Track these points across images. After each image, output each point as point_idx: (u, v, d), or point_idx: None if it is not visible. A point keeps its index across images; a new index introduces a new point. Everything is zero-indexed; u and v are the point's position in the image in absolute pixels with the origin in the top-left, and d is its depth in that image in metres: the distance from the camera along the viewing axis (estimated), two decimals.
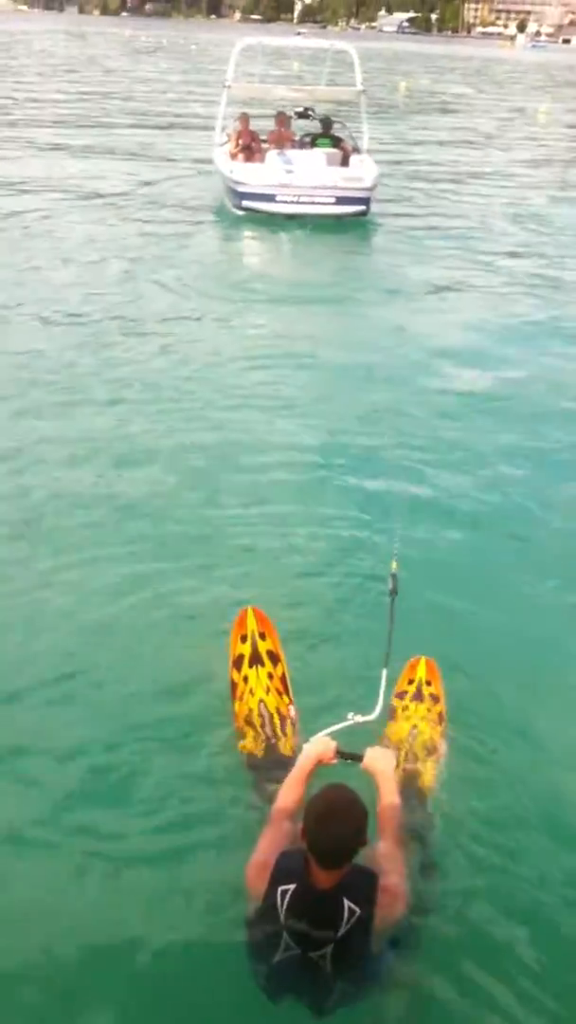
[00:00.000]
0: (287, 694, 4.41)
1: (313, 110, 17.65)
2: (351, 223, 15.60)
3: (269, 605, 4.76)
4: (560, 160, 26.13)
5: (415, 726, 4.24)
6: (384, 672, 3.83)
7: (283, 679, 4.46)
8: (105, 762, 4.22)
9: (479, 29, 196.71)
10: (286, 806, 3.38)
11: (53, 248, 13.54)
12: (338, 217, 15.52)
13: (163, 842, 3.84)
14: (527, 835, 3.97)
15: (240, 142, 16.55)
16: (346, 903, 2.99)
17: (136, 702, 4.59)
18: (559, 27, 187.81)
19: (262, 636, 4.51)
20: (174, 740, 4.35)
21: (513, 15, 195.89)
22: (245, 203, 15.58)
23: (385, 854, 3.24)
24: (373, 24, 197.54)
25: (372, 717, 3.70)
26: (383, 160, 18.15)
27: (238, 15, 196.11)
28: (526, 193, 20.31)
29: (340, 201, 15.41)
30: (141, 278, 12.18)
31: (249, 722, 4.25)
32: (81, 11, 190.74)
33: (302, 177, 15.41)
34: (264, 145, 16.53)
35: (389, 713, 4.30)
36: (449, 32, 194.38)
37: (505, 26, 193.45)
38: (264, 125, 17.15)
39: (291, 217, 15.39)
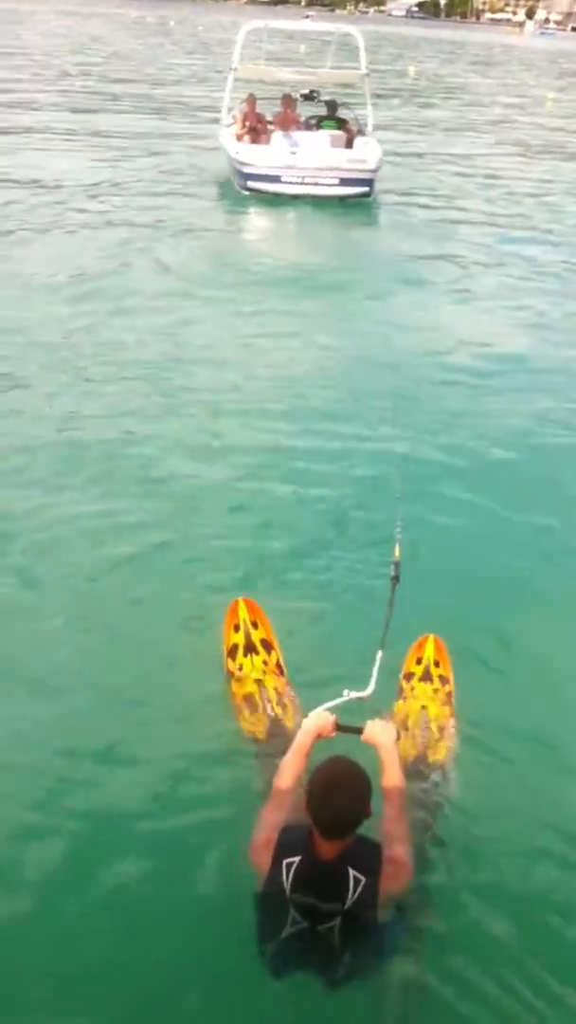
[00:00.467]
0: (283, 676, 4.42)
1: (319, 92, 17.83)
2: (354, 204, 15.75)
3: (268, 590, 4.79)
4: (569, 149, 25.94)
5: (424, 706, 4.25)
6: (380, 652, 3.86)
7: (278, 664, 4.47)
8: (104, 749, 4.22)
9: (488, 15, 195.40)
10: (287, 781, 3.39)
11: (53, 224, 13.54)
12: (342, 198, 15.70)
13: (167, 825, 3.84)
14: (533, 815, 4.00)
15: (247, 123, 16.71)
16: (351, 872, 3.02)
17: (133, 691, 4.56)
18: (568, 15, 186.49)
19: (254, 625, 4.53)
20: (173, 724, 4.35)
21: (522, 2, 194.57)
22: (251, 183, 15.77)
23: (389, 825, 3.25)
24: (382, 8, 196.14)
25: (367, 693, 3.71)
26: (389, 143, 18.16)
27: None
28: (531, 179, 20.25)
29: (344, 182, 15.62)
30: (141, 257, 12.15)
31: (248, 701, 4.25)
32: None
33: (307, 158, 15.60)
34: (270, 127, 16.68)
35: (397, 692, 4.33)
36: (458, 17, 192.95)
37: (514, 12, 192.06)
38: (270, 107, 17.28)
39: (296, 197, 15.58)
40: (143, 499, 6.33)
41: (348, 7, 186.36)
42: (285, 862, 3.07)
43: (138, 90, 31.16)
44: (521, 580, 5.70)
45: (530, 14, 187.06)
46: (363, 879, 3.02)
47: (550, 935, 3.50)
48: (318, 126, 16.90)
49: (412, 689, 4.35)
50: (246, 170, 15.70)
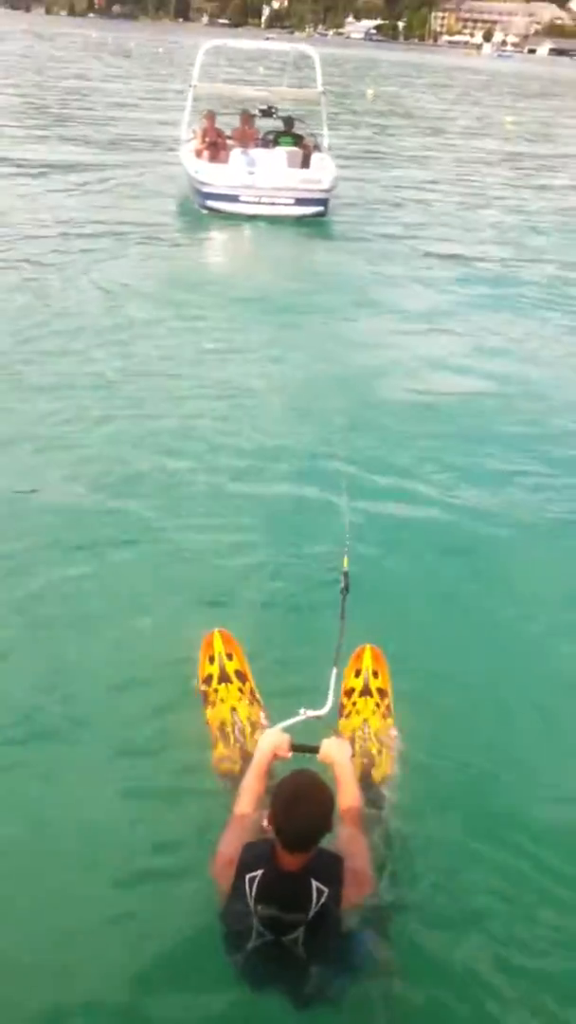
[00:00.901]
0: (258, 703, 4.40)
1: (276, 109, 18.15)
2: (310, 222, 16.03)
3: (224, 614, 4.80)
4: (524, 168, 26.33)
5: (365, 720, 4.27)
6: (334, 669, 3.85)
7: (252, 692, 4.46)
8: (75, 777, 4.16)
9: (446, 37, 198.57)
10: (247, 800, 3.42)
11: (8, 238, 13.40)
12: (297, 218, 15.97)
13: (137, 848, 3.80)
14: (481, 818, 4.06)
15: (206, 139, 16.93)
16: (314, 884, 3.02)
17: (107, 722, 4.48)
18: (524, 37, 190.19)
19: (229, 656, 4.52)
20: (147, 753, 4.28)
21: (479, 24, 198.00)
22: (209, 203, 16.07)
23: (348, 840, 3.28)
24: (341, 31, 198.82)
25: (323, 712, 3.70)
26: (345, 164, 18.49)
27: (206, 19, 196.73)
28: (488, 200, 20.48)
29: (299, 202, 15.93)
30: (94, 278, 11.96)
31: (222, 731, 4.24)
32: (48, 11, 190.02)
33: (263, 178, 15.91)
34: (229, 142, 16.94)
35: (339, 711, 4.32)
36: (416, 40, 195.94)
37: (471, 35, 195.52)
38: (230, 124, 17.54)
39: (253, 217, 15.86)
40: (96, 526, 6.16)
41: (307, 29, 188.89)
42: (248, 876, 3.07)
43: (95, 108, 31.17)
44: (457, 588, 5.81)
45: (487, 36, 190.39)
46: (326, 890, 3.03)
47: (506, 936, 3.54)
48: (275, 142, 17.19)
49: (354, 704, 4.38)
50: (205, 189, 15.98)
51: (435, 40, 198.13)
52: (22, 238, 13.66)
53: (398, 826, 3.84)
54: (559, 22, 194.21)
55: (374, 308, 11.83)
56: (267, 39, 19.52)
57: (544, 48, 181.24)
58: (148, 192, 17.90)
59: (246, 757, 4.01)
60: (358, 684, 4.44)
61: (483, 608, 5.63)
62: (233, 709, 4.29)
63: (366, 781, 3.91)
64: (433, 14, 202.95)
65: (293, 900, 3.03)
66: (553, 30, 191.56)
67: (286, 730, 3.56)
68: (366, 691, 4.41)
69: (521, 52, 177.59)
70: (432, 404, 8.73)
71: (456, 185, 22.04)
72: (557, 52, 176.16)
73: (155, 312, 10.81)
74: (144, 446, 7.35)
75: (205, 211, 16.12)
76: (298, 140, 17.29)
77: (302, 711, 3.65)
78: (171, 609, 5.31)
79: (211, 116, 17.16)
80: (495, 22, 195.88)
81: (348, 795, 3.39)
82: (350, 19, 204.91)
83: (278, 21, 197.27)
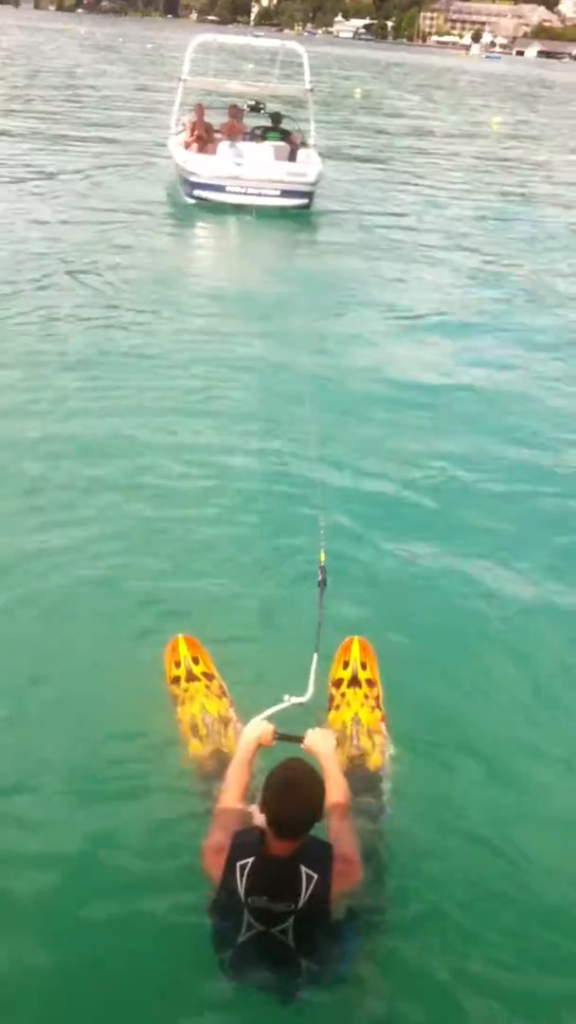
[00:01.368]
0: (226, 697, 4.40)
1: (264, 105, 18.35)
2: (294, 215, 16.19)
3: (200, 613, 4.85)
4: (508, 167, 26.40)
5: (356, 713, 4.28)
6: (315, 656, 3.90)
7: (221, 687, 4.45)
8: (47, 780, 4.10)
9: (434, 38, 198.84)
10: (233, 791, 3.43)
11: None
12: (282, 209, 16.14)
13: (118, 848, 3.78)
14: (470, 810, 4.08)
15: (195, 132, 17.06)
16: (303, 870, 3.06)
17: (78, 726, 4.40)
18: (513, 39, 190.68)
19: (195, 661, 4.52)
20: (119, 755, 4.22)
21: (468, 25, 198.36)
22: (196, 192, 16.22)
23: (336, 829, 3.30)
24: (330, 29, 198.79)
25: (305, 699, 3.75)
26: (331, 162, 18.55)
27: (194, 16, 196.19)
28: (470, 196, 20.54)
29: (285, 194, 16.12)
30: (74, 272, 11.84)
31: (193, 729, 4.23)
32: (37, 6, 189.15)
33: (251, 170, 16.09)
34: (217, 135, 17.06)
35: (329, 702, 4.35)
36: (405, 40, 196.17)
37: (460, 35, 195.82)
38: (218, 118, 17.61)
39: (239, 207, 16.00)
40: (66, 530, 6.03)
41: (296, 28, 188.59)
42: (239, 864, 3.08)
43: (82, 102, 31.05)
44: (439, 581, 5.83)
45: (476, 37, 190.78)
46: (315, 876, 3.05)
47: (497, 927, 3.56)
48: (263, 137, 17.39)
49: (343, 696, 4.38)
50: (192, 179, 16.14)
51: (424, 40, 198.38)
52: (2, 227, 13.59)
53: (388, 817, 3.84)
54: (547, 24, 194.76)
55: (354, 303, 11.83)
56: (256, 36, 19.40)
57: (532, 50, 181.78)
58: (135, 182, 18.01)
59: (219, 753, 4.05)
60: (346, 675, 4.44)
61: (466, 596, 5.67)
62: (203, 707, 4.30)
63: (359, 772, 3.95)
64: (422, 14, 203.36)
65: (283, 887, 3.04)
66: (541, 32, 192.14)
67: (270, 720, 3.58)
68: (355, 682, 4.41)
69: (509, 54, 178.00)
70: (409, 400, 8.70)
71: (440, 182, 22.05)
72: (545, 55, 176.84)
73: (132, 304, 10.77)
74: (114, 444, 7.23)
75: (192, 200, 16.26)
76: (285, 135, 17.50)
77: (286, 697, 3.71)
78: (141, 610, 5.24)
79: (200, 109, 17.35)
80: (483, 23, 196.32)
81: (335, 785, 3.39)
82: (339, 18, 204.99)
83: (267, 19, 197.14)
